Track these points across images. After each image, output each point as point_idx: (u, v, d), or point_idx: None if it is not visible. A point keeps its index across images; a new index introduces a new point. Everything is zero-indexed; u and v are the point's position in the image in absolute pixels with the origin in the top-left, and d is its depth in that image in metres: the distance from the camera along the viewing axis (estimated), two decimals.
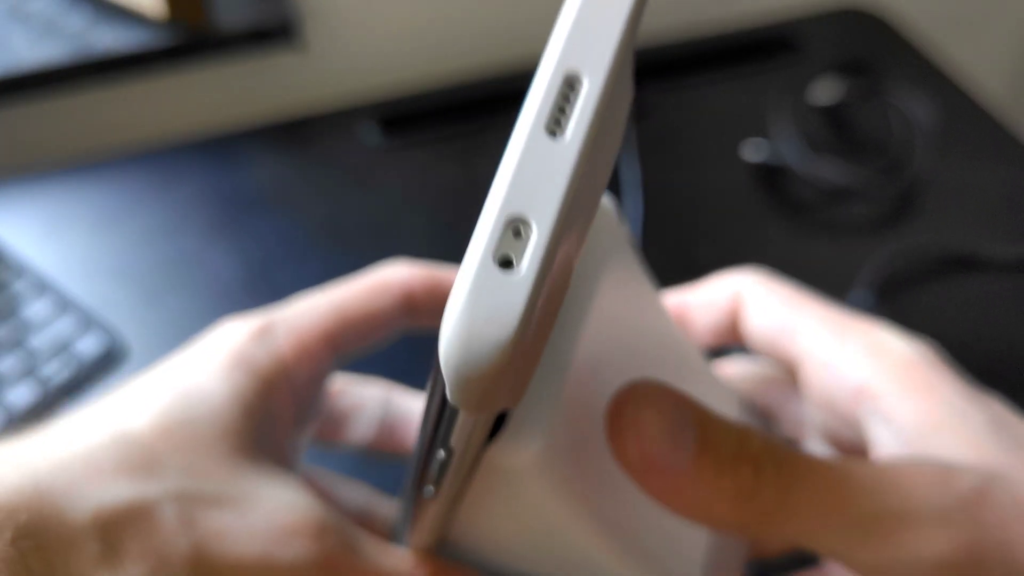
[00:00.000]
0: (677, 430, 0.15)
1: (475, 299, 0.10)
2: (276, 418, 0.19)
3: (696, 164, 0.50)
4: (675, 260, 0.45)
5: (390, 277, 0.22)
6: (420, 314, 0.22)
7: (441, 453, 0.13)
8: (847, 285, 0.43)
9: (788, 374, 0.22)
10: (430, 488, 0.15)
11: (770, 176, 0.50)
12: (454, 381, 0.11)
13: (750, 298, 0.21)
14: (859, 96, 0.52)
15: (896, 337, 0.19)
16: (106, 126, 0.55)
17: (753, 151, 0.50)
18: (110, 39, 0.48)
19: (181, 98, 0.55)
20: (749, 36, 0.58)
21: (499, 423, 0.15)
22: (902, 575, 0.15)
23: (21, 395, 0.38)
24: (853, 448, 0.20)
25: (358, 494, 0.22)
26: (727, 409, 0.22)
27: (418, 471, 0.16)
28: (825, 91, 0.53)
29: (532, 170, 0.11)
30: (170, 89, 0.54)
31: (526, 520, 0.17)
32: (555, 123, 0.11)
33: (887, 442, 0.18)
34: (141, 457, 0.17)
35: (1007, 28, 0.77)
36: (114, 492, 0.17)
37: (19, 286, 0.41)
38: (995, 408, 0.18)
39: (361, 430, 0.23)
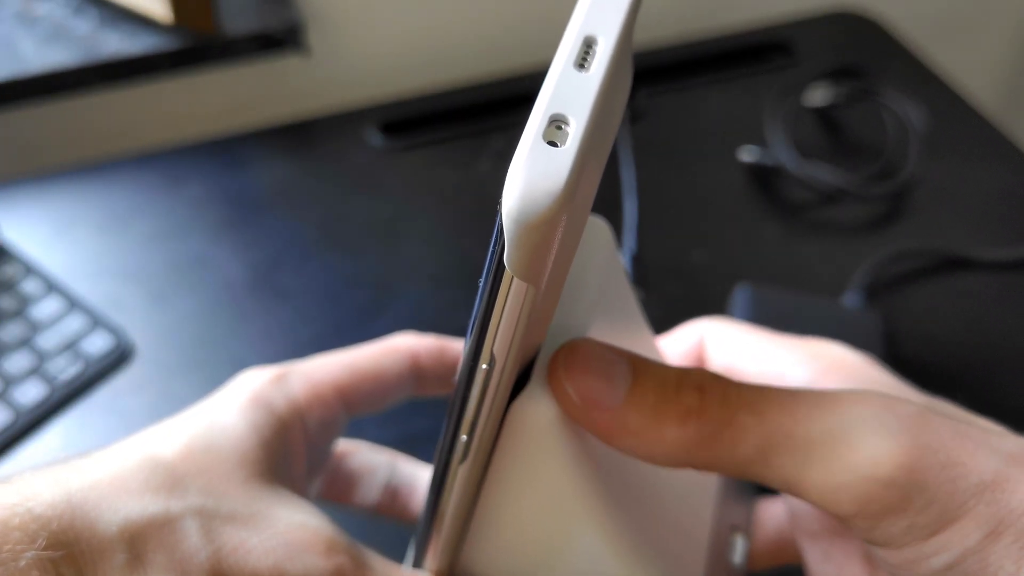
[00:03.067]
0: (609, 368, 0.16)
1: (531, 164, 0.13)
2: (290, 455, 0.21)
3: (691, 166, 0.51)
4: (670, 262, 0.45)
5: (399, 343, 0.24)
6: (426, 380, 0.24)
7: (484, 367, 0.15)
8: (841, 286, 0.44)
9: None
10: (463, 439, 0.16)
11: (764, 178, 0.50)
12: (515, 231, 0.13)
13: (710, 338, 0.23)
14: (852, 99, 0.53)
15: (837, 345, 0.21)
16: (113, 129, 0.55)
17: (748, 153, 0.50)
18: (117, 43, 0.49)
19: (187, 102, 0.56)
20: (744, 40, 0.59)
21: (520, 384, 0.16)
22: (848, 496, 0.15)
23: (28, 393, 0.38)
24: None
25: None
26: None
27: (452, 427, 0.17)
28: (819, 94, 0.53)
29: (568, 88, 0.14)
30: (176, 93, 0.55)
31: (541, 501, 0.18)
32: (581, 62, 0.14)
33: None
34: (166, 477, 0.19)
35: (998, 31, 0.78)
36: (140, 507, 0.18)
37: (27, 286, 0.42)
38: (936, 402, 0.19)
39: (367, 492, 0.25)
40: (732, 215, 0.48)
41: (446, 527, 0.19)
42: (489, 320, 0.14)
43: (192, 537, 0.18)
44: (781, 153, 0.49)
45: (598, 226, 0.20)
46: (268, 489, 0.20)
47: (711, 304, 0.42)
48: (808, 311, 0.40)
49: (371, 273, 0.44)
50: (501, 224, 0.13)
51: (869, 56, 0.58)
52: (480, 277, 0.14)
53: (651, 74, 0.56)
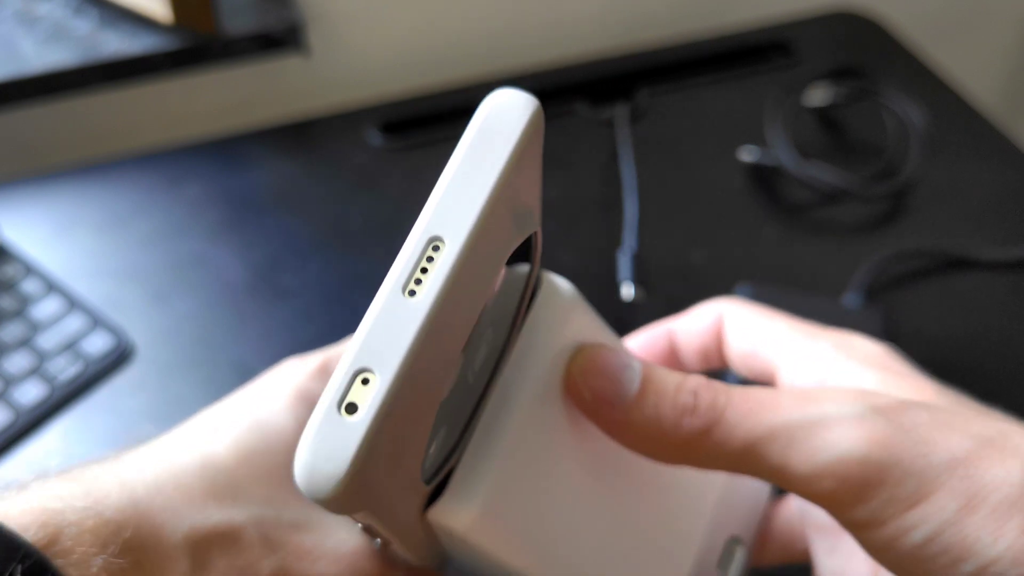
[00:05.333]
0: (623, 370, 0.18)
1: (318, 440, 0.13)
2: None
3: (691, 166, 0.51)
4: (670, 261, 0.45)
5: None
6: None
7: (376, 540, 0.16)
8: (842, 286, 0.44)
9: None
10: (378, 540, 0.17)
11: (765, 178, 0.50)
12: (317, 503, 0.13)
13: (730, 320, 0.23)
14: (853, 99, 0.53)
15: (859, 337, 0.21)
16: (113, 129, 0.55)
17: (748, 153, 0.50)
18: (117, 43, 0.49)
19: (187, 102, 0.56)
20: (744, 39, 0.59)
21: (445, 480, 0.17)
22: (828, 475, 0.16)
23: (29, 393, 0.38)
24: None
25: None
26: None
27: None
28: (819, 94, 0.53)
29: (384, 326, 0.13)
30: (176, 93, 0.55)
31: (485, 561, 0.19)
32: (415, 282, 0.14)
33: None
34: (226, 484, 0.20)
35: (998, 31, 0.78)
36: (204, 515, 0.19)
37: (27, 285, 0.42)
38: (953, 393, 0.19)
39: None
40: (732, 215, 0.48)
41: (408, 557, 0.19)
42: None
43: (255, 546, 0.19)
44: (781, 153, 0.49)
45: (553, 296, 0.19)
46: None
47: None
48: (808, 311, 0.40)
49: (371, 273, 0.44)
50: None
51: (869, 56, 0.58)
52: None
53: (651, 74, 0.56)
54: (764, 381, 0.23)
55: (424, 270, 0.14)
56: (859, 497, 0.16)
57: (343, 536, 0.20)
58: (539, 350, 0.18)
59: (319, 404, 0.13)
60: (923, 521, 0.15)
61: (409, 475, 0.16)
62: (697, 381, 0.18)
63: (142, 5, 0.49)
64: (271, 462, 0.20)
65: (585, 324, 0.19)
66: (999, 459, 0.16)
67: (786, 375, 0.21)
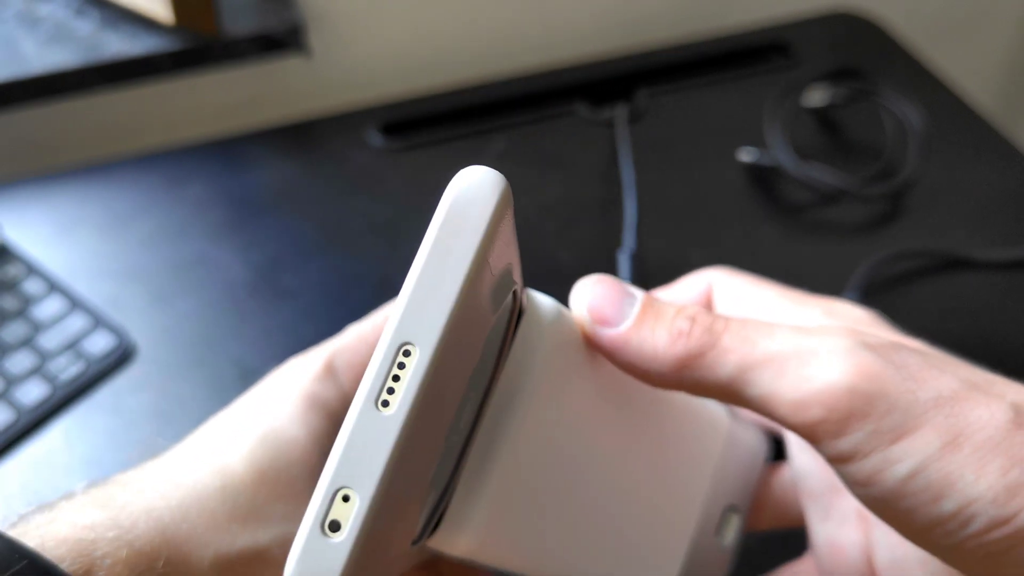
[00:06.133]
0: (624, 294, 0.19)
1: (303, 563, 0.13)
2: None
3: (690, 166, 0.51)
4: (670, 261, 0.45)
5: None
6: None
7: None
8: (840, 286, 0.44)
9: None
10: None
11: (763, 178, 0.50)
12: None
13: (719, 289, 0.24)
14: (851, 99, 0.53)
15: (847, 306, 0.21)
16: (115, 130, 0.56)
17: (747, 154, 0.50)
18: (118, 44, 0.49)
19: (188, 102, 0.56)
20: (743, 40, 0.59)
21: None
22: (815, 403, 0.16)
23: (30, 393, 0.38)
24: None
25: None
26: (704, 444, 0.23)
27: None
28: (818, 95, 0.53)
29: (360, 442, 0.13)
30: (177, 94, 0.55)
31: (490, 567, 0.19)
32: (388, 392, 0.14)
33: None
34: (247, 506, 0.20)
35: (996, 32, 0.78)
36: (229, 540, 0.19)
37: (29, 286, 0.42)
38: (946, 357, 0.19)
39: None
40: (731, 215, 0.48)
41: None
42: None
43: (279, 567, 0.19)
44: (780, 153, 0.50)
45: (538, 320, 0.19)
46: None
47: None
48: None
49: (371, 273, 0.44)
50: None
51: (868, 57, 0.59)
52: None
53: (650, 74, 0.57)
54: None
55: (396, 378, 0.14)
56: (844, 427, 0.16)
57: None
58: (524, 379, 0.19)
59: (303, 523, 0.13)
60: (907, 455, 0.15)
61: (400, 548, 0.16)
62: (695, 308, 0.18)
63: (143, 6, 0.49)
64: (287, 477, 0.20)
65: (570, 342, 0.20)
66: (984, 401, 0.16)
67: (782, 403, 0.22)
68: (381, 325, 0.23)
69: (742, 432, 0.24)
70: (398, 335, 0.14)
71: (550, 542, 0.19)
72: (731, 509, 0.23)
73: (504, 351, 0.18)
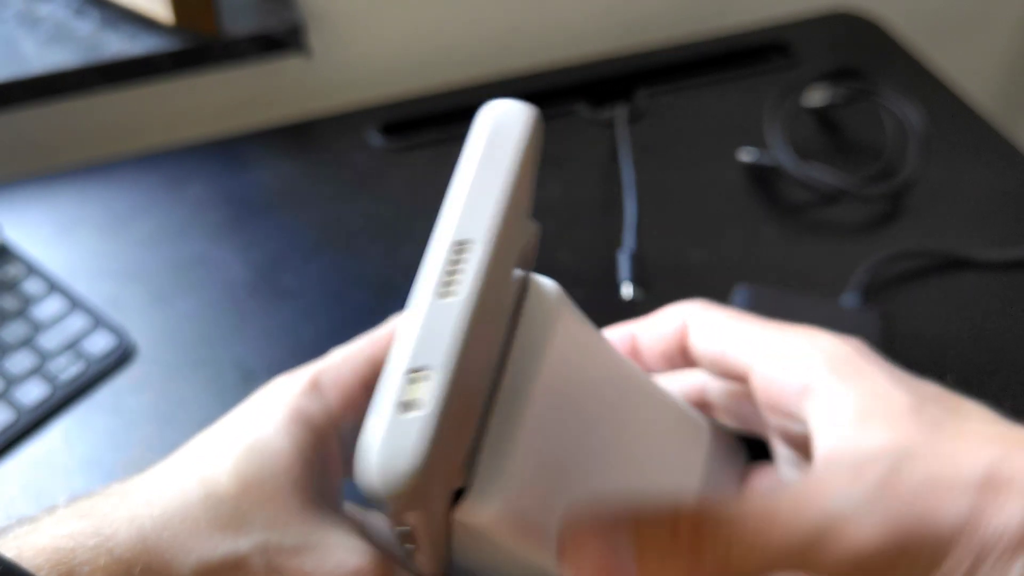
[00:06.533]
0: (617, 548, 0.17)
1: (385, 440, 0.13)
2: (329, 466, 0.22)
3: (690, 166, 0.51)
4: (669, 261, 0.45)
5: None
6: None
7: (407, 545, 0.16)
8: (840, 286, 0.44)
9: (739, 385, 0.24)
10: (410, 547, 0.18)
11: (763, 178, 0.50)
12: (382, 506, 0.13)
13: (694, 323, 0.24)
14: (851, 99, 0.53)
15: (828, 338, 0.21)
16: (115, 130, 0.56)
17: (747, 154, 0.50)
18: (118, 44, 0.49)
19: (188, 102, 0.56)
20: (743, 40, 0.59)
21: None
22: (854, 573, 0.17)
23: (30, 393, 0.38)
24: (804, 442, 0.22)
25: (377, 520, 0.25)
26: (693, 437, 0.24)
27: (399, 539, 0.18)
28: (818, 95, 0.53)
29: (430, 327, 0.14)
30: (177, 94, 0.55)
31: (504, 556, 0.19)
32: (447, 285, 0.14)
33: (826, 435, 0.20)
34: (229, 513, 0.20)
35: (997, 32, 0.78)
36: (210, 547, 0.20)
37: (29, 286, 0.42)
38: (923, 389, 0.20)
39: None
40: (731, 215, 0.48)
41: (423, 567, 0.20)
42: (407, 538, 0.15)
43: (260, 573, 0.20)
44: (780, 153, 0.50)
45: (542, 299, 0.20)
46: (320, 514, 0.21)
47: None
48: (807, 311, 0.40)
49: (372, 273, 0.44)
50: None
51: (868, 57, 0.59)
52: None
53: (650, 75, 0.57)
54: (735, 379, 0.23)
55: (454, 272, 0.14)
56: (884, 569, 0.17)
57: (342, 556, 0.20)
58: (536, 352, 0.19)
59: (376, 407, 0.13)
60: None
61: (453, 473, 0.16)
62: (691, 519, 0.17)
63: (143, 6, 0.49)
64: (271, 486, 0.21)
65: (573, 322, 0.20)
66: (999, 505, 0.16)
67: (758, 385, 0.22)
68: (365, 348, 0.24)
69: (722, 436, 0.25)
70: (455, 234, 0.15)
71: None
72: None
73: (515, 317, 0.18)
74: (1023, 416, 0.21)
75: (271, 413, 0.22)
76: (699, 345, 0.24)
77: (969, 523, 0.16)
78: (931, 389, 0.20)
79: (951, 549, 0.16)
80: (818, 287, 0.44)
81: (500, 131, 0.16)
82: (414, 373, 0.14)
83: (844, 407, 0.20)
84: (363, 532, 0.22)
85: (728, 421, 0.25)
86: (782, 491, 0.18)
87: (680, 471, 0.23)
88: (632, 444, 0.22)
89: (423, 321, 0.14)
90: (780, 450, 0.24)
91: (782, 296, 0.41)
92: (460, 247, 0.15)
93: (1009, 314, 0.44)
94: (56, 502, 0.20)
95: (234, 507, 0.20)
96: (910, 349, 0.42)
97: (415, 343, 0.14)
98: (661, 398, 0.24)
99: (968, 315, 0.43)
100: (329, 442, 0.22)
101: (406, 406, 0.13)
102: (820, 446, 0.20)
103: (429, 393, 0.13)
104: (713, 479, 0.24)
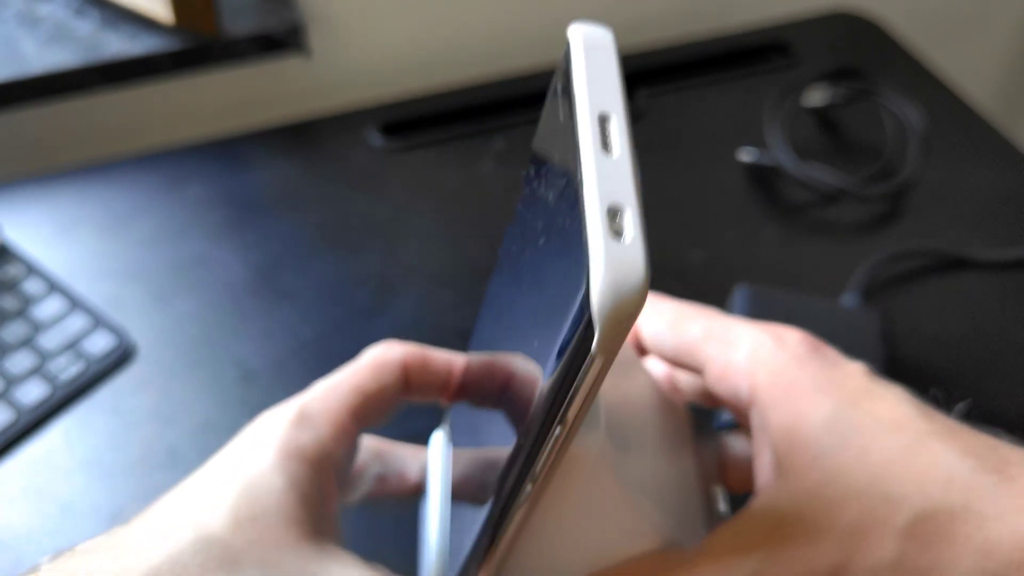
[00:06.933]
0: None
1: (611, 262, 0.14)
2: (325, 497, 0.22)
3: (690, 166, 0.51)
4: (669, 261, 0.45)
5: (391, 356, 0.24)
6: (414, 389, 0.25)
7: (557, 430, 0.17)
8: (840, 286, 0.44)
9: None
10: (529, 488, 0.18)
11: (763, 178, 0.50)
12: (609, 326, 0.14)
13: (643, 318, 0.25)
14: (851, 99, 0.53)
15: (769, 345, 0.23)
16: (115, 130, 0.56)
17: (747, 154, 0.50)
18: (118, 44, 0.49)
19: (188, 103, 0.56)
20: (743, 40, 0.59)
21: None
22: None
23: (30, 393, 0.38)
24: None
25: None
26: (680, 412, 0.26)
27: (515, 479, 0.18)
28: (818, 94, 0.53)
29: (606, 176, 0.15)
30: (177, 94, 0.55)
31: (597, 509, 0.21)
32: (604, 146, 0.16)
33: (767, 458, 0.23)
34: (221, 556, 0.19)
35: (996, 32, 0.78)
36: None
37: (29, 286, 0.42)
38: (844, 388, 0.22)
39: (367, 484, 0.26)
40: (731, 215, 0.48)
41: (497, 561, 0.20)
42: (568, 393, 0.16)
43: None
44: (780, 153, 0.50)
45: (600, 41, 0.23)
46: (316, 548, 0.21)
47: (709, 304, 0.42)
48: (807, 311, 0.40)
49: (371, 273, 0.44)
50: (582, 316, 0.14)
51: (868, 57, 0.59)
52: (547, 355, 0.16)
53: (651, 74, 0.57)
54: (691, 371, 0.25)
55: (606, 134, 0.16)
56: None
57: None
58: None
59: (590, 237, 0.14)
60: None
61: None
62: None
63: (143, 6, 0.49)
64: (265, 524, 0.20)
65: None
66: (866, 550, 0.20)
67: (711, 381, 0.24)
68: (350, 377, 0.24)
69: (692, 416, 0.27)
70: (594, 109, 0.17)
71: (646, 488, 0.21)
72: (712, 482, 0.26)
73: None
74: (1022, 417, 0.21)
75: (263, 449, 0.22)
76: (652, 341, 0.25)
77: (841, 568, 0.20)
78: (854, 380, 0.22)
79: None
80: (818, 287, 0.44)
81: (593, 44, 0.19)
82: (611, 209, 0.15)
83: (777, 429, 0.22)
84: (365, 563, 0.21)
85: (694, 399, 0.27)
86: (705, 551, 0.21)
87: (686, 468, 0.25)
88: (669, 463, 0.24)
89: (599, 169, 0.15)
90: (743, 428, 0.26)
91: (782, 296, 0.41)
92: (603, 119, 0.17)
93: (1008, 313, 0.44)
94: (38, 561, 0.20)
95: (226, 548, 0.20)
96: (909, 349, 0.42)
97: (601, 185, 0.15)
98: (652, 380, 0.25)
99: (967, 315, 0.44)
100: (324, 474, 0.22)
101: (617, 233, 0.14)
102: (756, 467, 0.23)
103: (631, 223, 0.15)
104: (705, 461, 0.26)
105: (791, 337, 0.23)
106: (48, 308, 0.41)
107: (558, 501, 0.20)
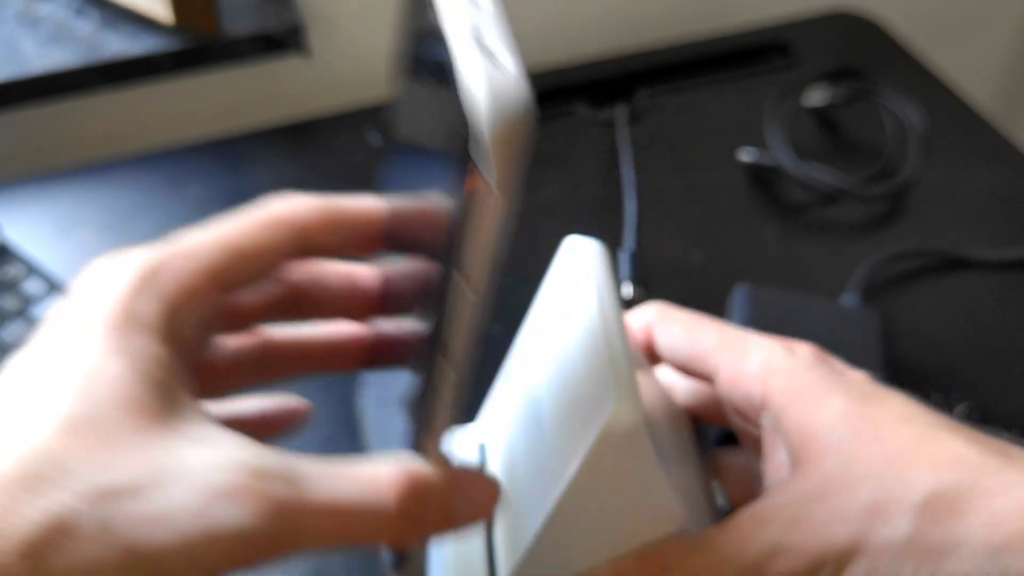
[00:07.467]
0: None
1: (491, 82, 0.14)
2: (177, 373, 0.18)
3: (690, 166, 0.51)
4: (670, 261, 0.45)
5: (283, 212, 0.20)
6: (318, 249, 0.21)
7: (458, 280, 0.15)
8: (840, 286, 0.44)
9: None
10: (441, 362, 0.17)
11: (764, 178, 0.51)
12: (497, 143, 0.14)
13: (659, 325, 0.26)
14: (851, 99, 0.53)
15: (781, 354, 0.24)
16: (115, 130, 0.56)
17: (747, 154, 0.50)
18: (119, 44, 0.49)
19: (188, 103, 0.56)
20: (743, 40, 0.59)
21: None
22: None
23: None
24: (759, 442, 0.25)
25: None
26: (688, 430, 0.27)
27: (427, 356, 0.17)
28: (818, 95, 0.54)
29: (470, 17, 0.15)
30: (177, 94, 0.55)
31: (630, 483, 0.21)
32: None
33: (781, 458, 0.24)
34: (50, 472, 0.16)
35: (996, 33, 0.78)
36: (31, 517, 0.16)
37: (29, 286, 0.42)
38: (853, 390, 0.23)
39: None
40: (731, 215, 0.49)
41: (437, 435, 0.18)
42: (463, 232, 0.15)
43: (92, 533, 0.16)
44: (780, 153, 0.50)
45: (587, 248, 0.24)
46: (166, 436, 0.17)
47: (709, 304, 0.42)
48: (807, 311, 0.40)
49: None
50: (468, 142, 0.14)
51: (868, 57, 0.59)
52: (448, 192, 0.15)
53: (651, 75, 0.57)
54: (701, 379, 0.26)
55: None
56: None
57: (205, 479, 0.16)
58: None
59: (464, 65, 0.14)
60: None
61: None
62: (653, 562, 0.22)
63: (144, 6, 0.49)
64: (103, 425, 0.17)
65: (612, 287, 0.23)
66: (882, 526, 0.21)
67: (723, 389, 0.25)
68: (227, 236, 0.20)
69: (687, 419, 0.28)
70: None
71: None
72: (712, 478, 0.27)
73: None
74: (1021, 417, 0.22)
75: (98, 326, 0.18)
76: (666, 348, 0.26)
77: (858, 542, 0.21)
78: (859, 387, 0.23)
79: (849, 561, 0.21)
80: (818, 287, 0.44)
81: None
82: (479, 39, 0.15)
83: (792, 430, 0.23)
84: (243, 435, 0.18)
85: (694, 411, 0.28)
86: (725, 530, 0.22)
87: (695, 461, 0.26)
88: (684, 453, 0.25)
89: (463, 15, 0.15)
90: (744, 441, 0.26)
91: (782, 296, 0.41)
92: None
93: (1008, 313, 0.44)
94: None
95: (55, 462, 0.16)
96: (909, 348, 0.42)
97: (464, 25, 0.15)
98: (661, 382, 0.27)
99: (967, 314, 0.44)
100: (172, 345, 0.18)
101: (490, 55, 0.14)
102: (766, 470, 0.24)
103: (500, 47, 0.15)
104: (704, 457, 0.27)
105: (801, 348, 0.24)
106: (48, 307, 0.41)
107: (601, 474, 0.21)
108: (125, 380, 0.17)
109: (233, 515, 0.16)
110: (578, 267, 0.23)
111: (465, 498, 0.19)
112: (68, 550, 0.16)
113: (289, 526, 0.17)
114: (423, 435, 0.18)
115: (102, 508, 0.16)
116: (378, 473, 0.18)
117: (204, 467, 0.17)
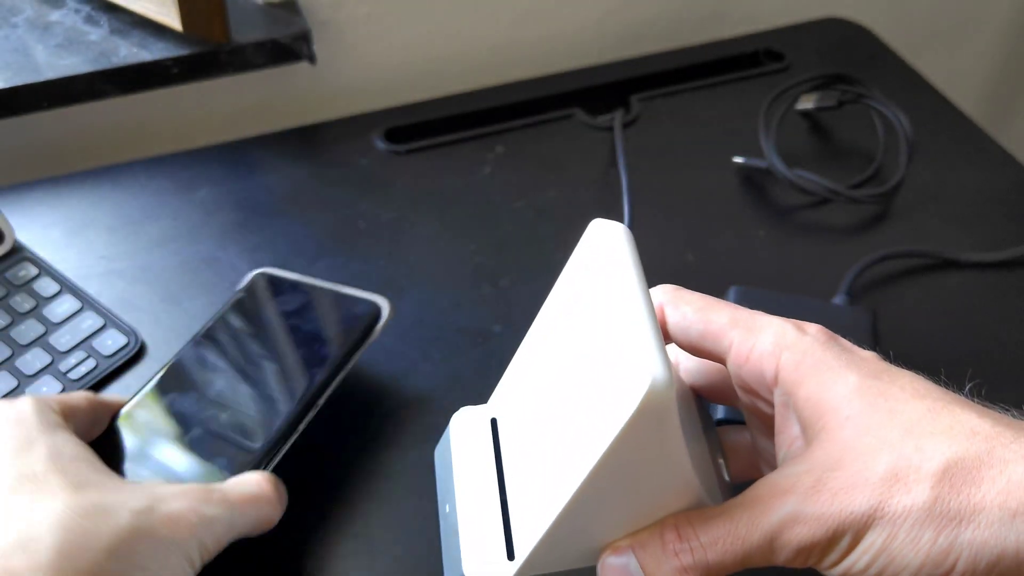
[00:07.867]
0: (629, 570, 0.23)
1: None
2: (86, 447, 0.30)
3: (685, 170, 0.52)
4: (664, 264, 0.46)
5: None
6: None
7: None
8: (832, 287, 0.44)
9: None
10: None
11: (756, 182, 0.51)
12: None
13: (671, 305, 0.27)
14: (843, 104, 0.54)
15: (793, 331, 0.24)
16: (125, 135, 0.56)
17: (740, 157, 0.51)
18: (129, 51, 0.49)
19: (197, 108, 0.57)
20: (737, 46, 0.60)
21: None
22: (802, 557, 0.22)
23: (42, 390, 0.39)
24: (769, 419, 0.26)
25: None
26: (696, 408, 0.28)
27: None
28: (810, 99, 0.54)
29: None
30: (186, 99, 0.56)
31: (660, 454, 0.22)
32: None
33: (794, 432, 0.24)
34: (94, 510, 0.26)
35: (983, 39, 0.79)
36: (107, 530, 0.25)
37: (41, 286, 0.43)
38: (865, 366, 0.24)
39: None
40: (724, 218, 0.49)
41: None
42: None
43: (153, 533, 0.26)
44: (773, 157, 0.50)
45: (613, 229, 0.26)
46: (119, 478, 0.28)
47: None
48: (799, 312, 0.41)
49: (376, 274, 0.45)
50: None
51: (859, 63, 0.60)
52: None
53: (645, 80, 0.58)
54: (711, 359, 0.26)
55: None
56: (825, 550, 0.22)
57: (177, 505, 0.27)
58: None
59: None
60: (862, 554, 0.21)
61: None
62: (670, 531, 0.23)
63: (153, 14, 0.50)
64: (88, 479, 0.27)
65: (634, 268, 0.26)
66: (900, 493, 0.21)
67: (734, 365, 0.25)
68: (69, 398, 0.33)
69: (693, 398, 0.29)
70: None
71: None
72: (717, 453, 0.28)
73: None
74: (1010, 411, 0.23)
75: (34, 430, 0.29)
76: (678, 327, 0.26)
77: (877, 510, 0.21)
78: (870, 365, 0.24)
79: (868, 528, 0.21)
80: (810, 288, 0.45)
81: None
82: None
83: (805, 405, 0.23)
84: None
85: (700, 391, 0.29)
86: (743, 500, 0.23)
87: (702, 437, 0.27)
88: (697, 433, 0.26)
89: None
90: (751, 419, 0.27)
91: (774, 297, 0.41)
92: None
93: (996, 313, 0.45)
94: None
95: (96, 504, 0.26)
96: (900, 349, 0.43)
97: None
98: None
99: (956, 314, 0.44)
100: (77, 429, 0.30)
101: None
102: (779, 444, 0.25)
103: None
104: (709, 433, 0.28)
105: (811, 327, 0.25)
106: (59, 308, 0.42)
107: (634, 446, 0.21)
108: (79, 454, 0.28)
109: (214, 508, 0.28)
110: (606, 248, 0.25)
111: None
112: (144, 545, 0.25)
113: (230, 512, 0.28)
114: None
115: (144, 519, 0.26)
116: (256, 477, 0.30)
117: (170, 491, 0.28)
